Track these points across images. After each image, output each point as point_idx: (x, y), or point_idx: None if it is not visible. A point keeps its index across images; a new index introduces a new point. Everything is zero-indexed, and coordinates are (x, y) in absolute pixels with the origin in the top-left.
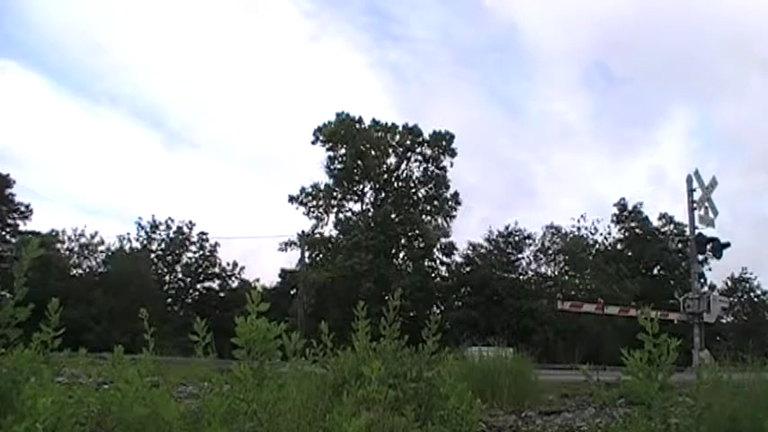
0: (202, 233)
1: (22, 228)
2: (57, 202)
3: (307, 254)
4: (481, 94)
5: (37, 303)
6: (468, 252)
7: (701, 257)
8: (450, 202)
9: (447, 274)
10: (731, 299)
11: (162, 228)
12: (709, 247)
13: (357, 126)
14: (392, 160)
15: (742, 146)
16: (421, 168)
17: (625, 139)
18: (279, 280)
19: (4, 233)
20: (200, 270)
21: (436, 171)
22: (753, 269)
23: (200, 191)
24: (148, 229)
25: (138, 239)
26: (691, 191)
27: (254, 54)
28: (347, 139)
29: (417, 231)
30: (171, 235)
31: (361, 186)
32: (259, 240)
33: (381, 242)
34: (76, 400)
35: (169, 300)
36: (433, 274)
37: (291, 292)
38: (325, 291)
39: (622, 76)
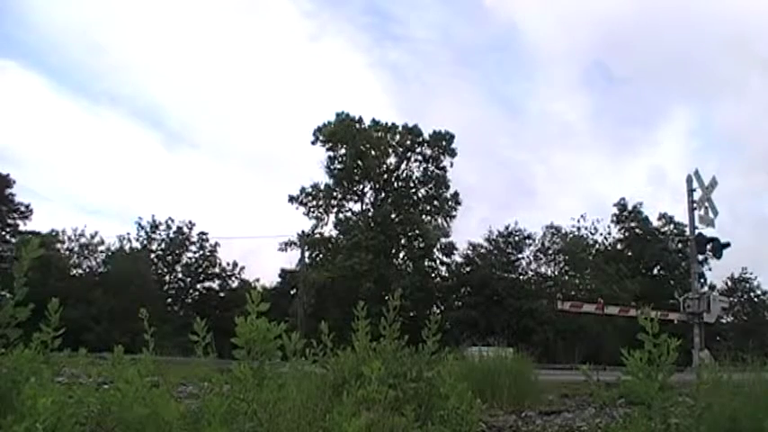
0: (202, 233)
1: (22, 228)
2: (57, 202)
3: (307, 254)
4: (481, 94)
5: (37, 303)
6: (468, 252)
7: (700, 257)
8: (450, 202)
9: (447, 274)
10: (731, 299)
11: (162, 228)
12: (709, 247)
13: (357, 126)
14: (392, 160)
15: (742, 146)
16: (421, 168)
17: (625, 139)
18: (279, 280)
19: (4, 233)
20: (200, 270)
21: (436, 171)
22: (753, 269)
23: (200, 191)
24: (148, 229)
25: (138, 239)
26: (691, 191)
27: (254, 54)
28: (347, 139)
29: (417, 231)
30: (171, 235)
31: (361, 186)
32: (259, 240)
33: (381, 242)
34: (76, 400)
35: (169, 300)
36: (433, 274)
37: (291, 292)
38: (325, 291)
39: (622, 76)
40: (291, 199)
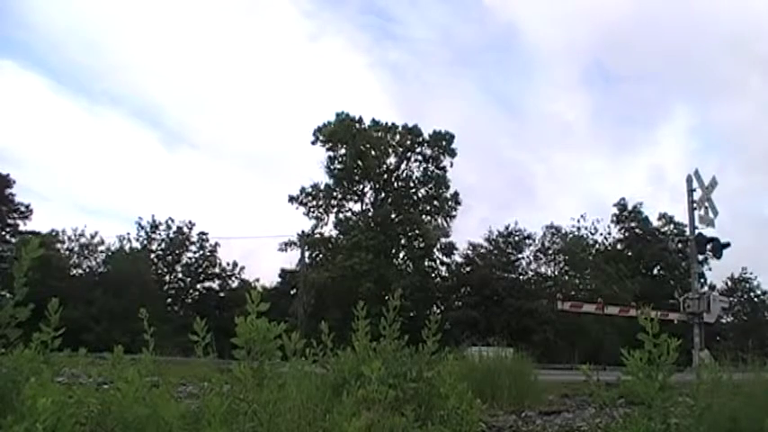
0: (202, 233)
1: (22, 228)
2: (57, 202)
3: (307, 254)
4: (481, 93)
5: (37, 303)
6: (468, 252)
7: (701, 257)
8: (450, 202)
9: (447, 274)
10: (731, 299)
11: (162, 228)
12: (709, 247)
13: (357, 126)
14: (392, 160)
15: (742, 146)
16: (421, 168)
17: (625, 139)
18: (279, 280)
19: (4, 233)
20: (200, 270)
21: (436, 171)
22: (753, 269)
23: (200, 191)
24: (148, 230)
25: (138, 239)
26: (691, 191)
27: (253, 54)
28: (347, 139)
29: (417, 231)
30: (171, 235)
31: (361, 186)
32: (259, 240)
33: (381, 242)
34: (76, 400)
35: (169, 300)
36: (433, 274)
37: (291, 292)
38: (325, 291)
39: (622, 76)
40: (291, 199)
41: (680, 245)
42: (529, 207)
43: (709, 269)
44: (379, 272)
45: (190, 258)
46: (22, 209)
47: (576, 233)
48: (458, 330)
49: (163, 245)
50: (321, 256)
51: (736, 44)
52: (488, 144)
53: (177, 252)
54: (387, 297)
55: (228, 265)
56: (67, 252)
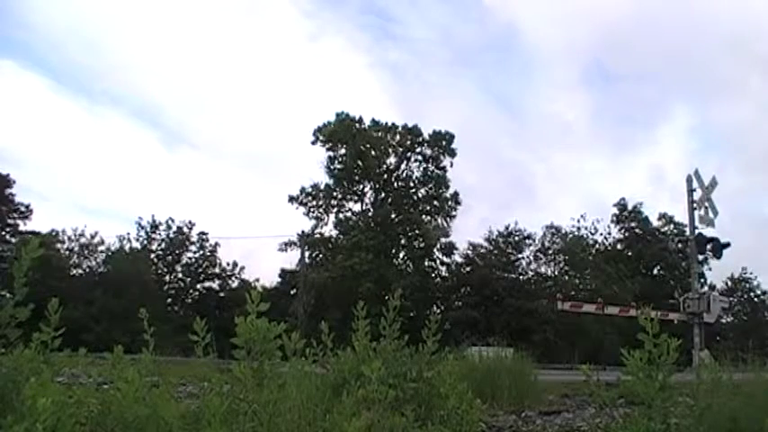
0: (202, 233)
1: (22, 228)
2: (57, 202)
3: (307, 254)
4: (481, 93)
5: (37, 303)
6: (468, 252)
7: (700, 257)
8: (450, 202)
9: (447, 274)
10: (731, 299)
11: (162, 228)
12: (709, 247)
13: (357, 126)
14: (392, 160)
15: (742, 146)
16: (421, 168)
17: (625, 139)
18: (279, 280)
19: (4, 233)
20: (200, 270)
21: (436, 171)
22: (753, 269)
23: (200, 191)
24: (148, 229)
25: (138, 239)
26: (691, 191)
27: (253, 54)
28: (347, 139)
29: (417, 231)
30: (171, 235)
31: (361, 186)
32: (259, 240)
33: (381, 242)
34: (76, 400)
35: (169, 300)
36: (433, 274)
37: (291, 292)
38: (325, 291)
39: (622, 76)
40: (291, 199)
41: (680, 245)
42: (529, 207)
43: (710, 269)
44: (379, 272)
45: (190, 258)
46: (22, 209)
47: (576, 233)
48: (458, 330)
49: (163, 245)
50: (321, 256)
51: (736, 44)
52: (488, 144)
53: (177, 252)
54: (387, 297)
55: (228, 265)
56: (67, 252)
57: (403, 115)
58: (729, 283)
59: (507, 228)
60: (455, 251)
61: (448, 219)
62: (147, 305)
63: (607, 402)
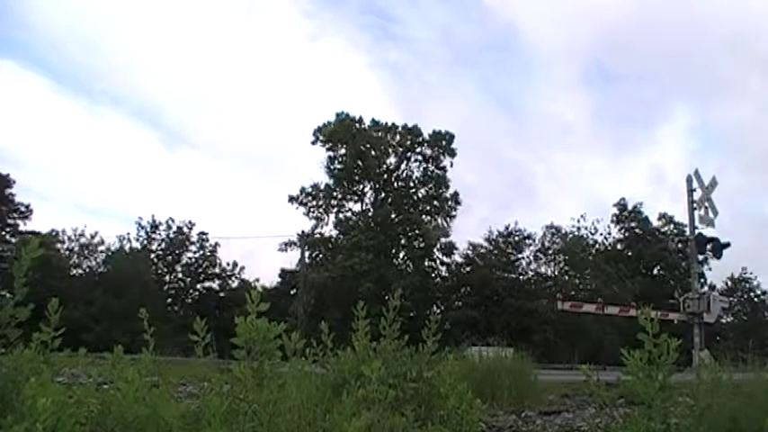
0: (202, 233)
1: (22, 228)
2: (57, 202)
3: (307, 254)
4: (481, 93)
5: (37, 303)
6: (468, 252)
7: (701, 257)
8: (450, 202)
9: (447, 274)
10: (731, 299)
11: (162, 228)
12: (709, 247)
13: (357, 126)
14: (392, 160)
15: (742, 146)
16: (421, 168)
17: (625, 139)
18: (279, 280)
19: (4, 233)
20: (200, 270)
21: (436, 171)
22: (753, 269)
23: (200, 191)
24: (148, 229)
25: (138, 239)
26: (691, 191)
27: (253, 54)
28: (347, 139)
29: (417, 231)
30: (171, 235)
31: (361, 186)
32: (259, 240)
33: (381, 242)
34: (76, 400)
35: (169, 300)
36: (433, 274)
37: (291, 292)
38: (325, 291)
39: (622, 76)
40: (291, 199)
41: (680, 245)
42: (529, 207)
43: (710, 269)
44: (379, 272)
45: (190, 258)
46: (22, 209)
47: (576, 233)
48: (458, 330)
49: (163, 245)
50: (321, 256)
51: (736, 44)
52: (488, 144)
53: (177, 252)
54: (387, 297)
55: (228, 265)
56: (67, 252)
57: (403, 115)
58: (729, 283)
59: (507, 228)
60: (455, 251)
61: (448, 219)
62: (147, 305)
63: (607, 402)
